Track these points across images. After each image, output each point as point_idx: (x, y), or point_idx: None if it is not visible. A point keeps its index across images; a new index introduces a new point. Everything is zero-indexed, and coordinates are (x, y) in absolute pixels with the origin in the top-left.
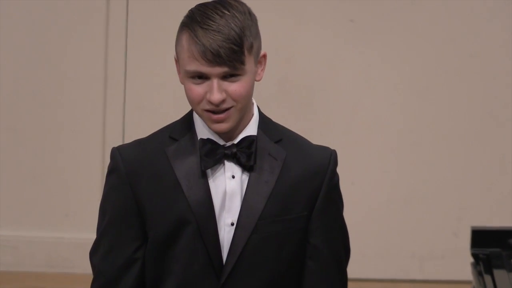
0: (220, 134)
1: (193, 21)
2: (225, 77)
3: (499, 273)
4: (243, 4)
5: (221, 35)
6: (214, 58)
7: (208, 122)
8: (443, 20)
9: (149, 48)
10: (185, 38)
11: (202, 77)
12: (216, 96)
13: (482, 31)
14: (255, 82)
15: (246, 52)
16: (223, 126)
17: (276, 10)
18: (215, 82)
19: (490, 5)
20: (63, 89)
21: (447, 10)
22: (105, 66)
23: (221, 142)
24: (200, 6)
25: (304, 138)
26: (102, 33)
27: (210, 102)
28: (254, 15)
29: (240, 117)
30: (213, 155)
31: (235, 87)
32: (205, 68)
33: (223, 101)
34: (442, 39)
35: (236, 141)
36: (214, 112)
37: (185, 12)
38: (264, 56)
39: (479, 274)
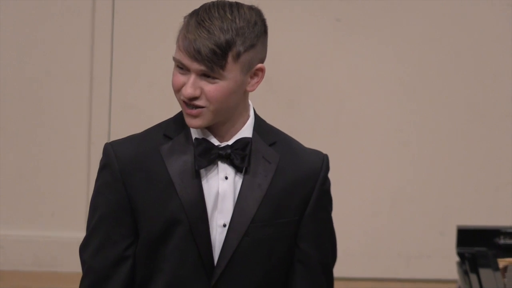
0: (214, 134)
1: (195, 13)
2: (204, 75)
3: (485, 272)
4: (256, 14)
5: (208, 35)
6: (194, 54)
7: (184, 114)
8: (430, 19)
9: (135, 47)
10: (183, 27)
11: (185, 68)
12: (188, 91)
13: (469, 29)
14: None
15: (230, 59)
16: (194, 122)
17: (262, 9)
18: (192, 77)
19: (478, 3)
20: (49, 88)
21: (433, 9)
22: (91, 65)
23: (215, 142)
24: (213, 2)
25: (297, 141)
26: (88, 32)
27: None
28: (262, 27)
29: (215, 119)
30: (207, 155)
31: (211, 88)
32: (185, 61)
33: (196, 98)
34: (429, 39)
35: (230, 142)
36: (188, 106)
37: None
38: (261, 69)
39: (465, 273)
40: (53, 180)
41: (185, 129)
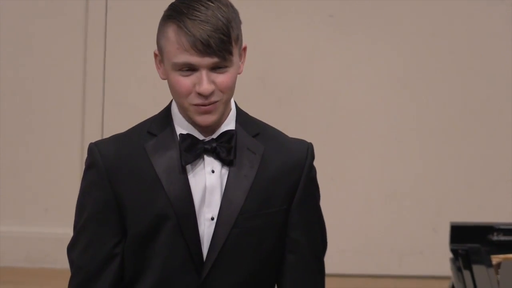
0: (199, 129)
1: (179, 13)
2: (213, 68)
3: (478, 269)
4: None
5: (210, 25)
6: (205, 48)
7: (195, 115)
8: (423, 15)
9: (128, 44)
10: (171, 30)
11: (190, 69)
12: (206, 87)
13: (461, 27)
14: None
15: (233, 43)
16: (210, 119)
17: (255, 6)
18: (204, 73)
19: (472, 1)
20: (42, 85)
21: (426, 5)
22: (84, 62)
23: (200, 137)
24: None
25: (280, 132)
26: (81, 30)
27: (199, 94)
28: (235, 8)
29: (224, 110)
30: (193, 150)
31: (223, 78)
32: (195, 59)
33: (212, 93)
34: (422, 35)
35: (215, 135)
36: (201, 104)
37: (164, 7)
38: (245, 49)
39: (458, 269)
40: (46, 176)
41: (170, 125)
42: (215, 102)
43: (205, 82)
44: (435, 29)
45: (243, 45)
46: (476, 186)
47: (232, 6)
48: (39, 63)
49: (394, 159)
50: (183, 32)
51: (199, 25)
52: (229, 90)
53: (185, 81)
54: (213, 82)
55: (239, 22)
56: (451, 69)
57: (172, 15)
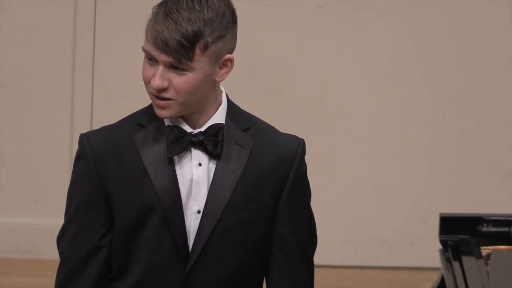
0: (187, 121)
1: (163, 4)
2: (172, 67)
3: (467, 260)
4: (225, 4)
5: (176, 26)
6: (162, 46)
7: (154, 105)
8: (412, 6)
9: (117, 34)
10: (151, 18)
11: (153, 59)
12: (157, 82)
13: (453, 19)
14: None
15: (197, 51)
16: (163, 113)
17: None
18: (160, 68)
19: None
20: (31, 76)
21: None
22: (73, 52)
23: (188, 129)
24: None
25: (272, 127)
26: (71, 19)
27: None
28: (231, 17)
29: (184, 111)
30: (180, 142)
31: (179, 80)
32: (153, 52)
33: (164, 89)
34: (412, 26)
35: (203, 128)
36: (156, 97)
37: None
38: (230, 60)
39: (447, 261)
40: (35, 166)
41: (158, 117)
42: (169, 100)
43: (156, 77)
44: (426, 22)
45: (227, 56)
46: (465, 177)
47: (224, 14)
48: (28, 53)
49: (384, 150)
50: (152, 24)
51: (166, 22)
52: (183, 93)
53: (148, 69)
54: (170, 81)
55: (222, 32)
56: (442, 62)
57: (159, 4)
